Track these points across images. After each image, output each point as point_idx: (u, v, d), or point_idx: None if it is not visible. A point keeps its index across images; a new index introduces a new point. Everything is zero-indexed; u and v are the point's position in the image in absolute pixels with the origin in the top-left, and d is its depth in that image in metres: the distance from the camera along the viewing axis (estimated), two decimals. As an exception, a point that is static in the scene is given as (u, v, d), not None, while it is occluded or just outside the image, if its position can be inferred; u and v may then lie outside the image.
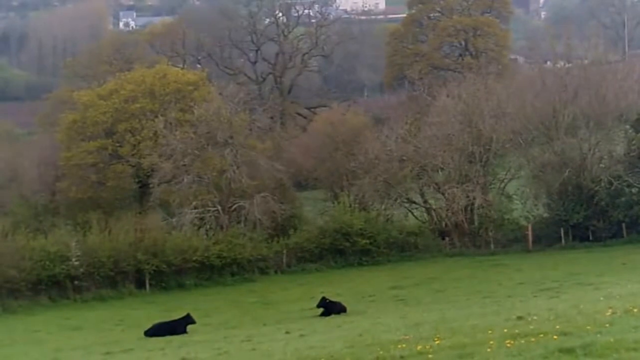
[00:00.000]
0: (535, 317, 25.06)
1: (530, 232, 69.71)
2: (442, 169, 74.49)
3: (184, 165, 69.33)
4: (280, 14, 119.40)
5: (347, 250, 68.00)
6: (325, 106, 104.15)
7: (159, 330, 41.62)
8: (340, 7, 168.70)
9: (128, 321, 50.24)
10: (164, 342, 38.00)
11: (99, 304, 58.91)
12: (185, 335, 40.93)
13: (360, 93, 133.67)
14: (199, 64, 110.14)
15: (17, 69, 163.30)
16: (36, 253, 60.12)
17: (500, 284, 51.67)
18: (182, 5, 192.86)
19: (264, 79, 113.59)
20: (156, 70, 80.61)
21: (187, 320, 42.41)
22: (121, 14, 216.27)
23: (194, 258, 63.58)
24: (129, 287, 61.74)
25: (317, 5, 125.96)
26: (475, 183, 71.52)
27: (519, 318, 25.75)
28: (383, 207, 73.80)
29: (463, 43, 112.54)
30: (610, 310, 23.40)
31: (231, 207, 69.08)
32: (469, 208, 71.01)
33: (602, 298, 30.57)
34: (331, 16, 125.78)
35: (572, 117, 72.50)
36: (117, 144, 75.48)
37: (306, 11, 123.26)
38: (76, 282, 60.32)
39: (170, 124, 71.52)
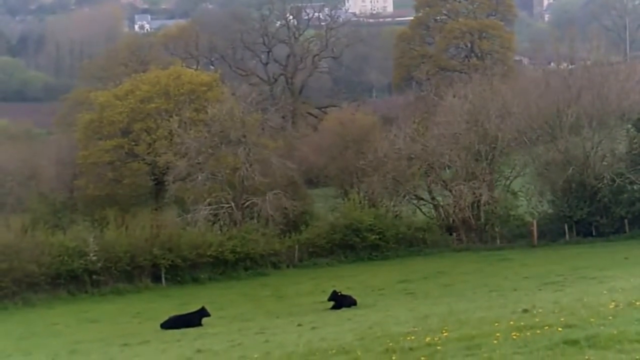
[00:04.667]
0: (540, 310, 25.31)
1: (535, 228, 69.77)
2: (449, 166, 74.94)
3: (198, 163, 69.84)
4: (291, 17, 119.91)
5: (357, 245, 68.22)
6: (335, 106, 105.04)
7: (174, 323, 41.93)
8: (350, 10, 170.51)
9: (145, 314, 50.75)
10: (179, 334, 38.36)
11: (116, 297, 59.41)
12: (200, 327, 41.12)
13: (369, 93, 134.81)
14: (212, 65, 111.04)
15: (35, 71, 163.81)
16: (55, 248, 60.71)
17: (506, 278, 51.64)
18: (196, 8, 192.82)
19: (276, 80, 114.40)
20: (171, 71, 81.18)
21: (202, 313, 42.66)
22: (136, 17, 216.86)
23: (209, 253, 63.87)
24: (145, 281, 62.22)
25: (327, 9, 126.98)
26: (481, 180, 71.74)
27: (525, 311, 25.94)
28: (392, 203, 73.87)
29: (469, 45, 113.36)
30: (613, 303, 23.52)
31: (244, 203, 69.37)
32: (475, 204, 71.12)
33: (605, 291, 30.43)
34: (340, 19, 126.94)
35: (576, 117, 72.47)
36: (133, 143, 76.19)
37: (316, 14, 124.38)
38: (94, 277, 60.81)
39: (185, 123, 72.12)
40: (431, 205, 75.70)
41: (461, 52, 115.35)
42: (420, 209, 75.52)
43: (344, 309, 43.46)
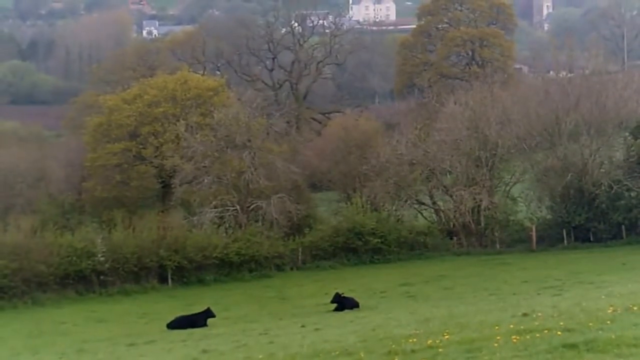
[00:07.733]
0: (539, 314, 25.31)
1: (534, 233, 70.30)
2: (450, 172, 75.34)
3: (205, 166, 70.35)
4: (296, 24, 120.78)
5: (359, 248, 68.66)
6: (338, 112, 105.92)
7: (180, 323, 42.05)
8: (353, 18, 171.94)
9: (151, 314, 51.13)
10: (185, 334, 38.49)
11: (124, 297, 59.91)
12: (205, 328, 41.20)
13: (371, 100, 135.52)
14: (219, 70, 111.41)
15: (44, 74, 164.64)
16: (63, 249, 61.12)
17: (505, 282, 51.84)
18: (203, 14, 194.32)
19: (281, 86, 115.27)
20: (178, 76, 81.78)
21: (208, 314, 42.77)
22: (144, 22, 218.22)
23: (214, 255, 64.47)
24: (152, 282, 62.75)
25: (331, 16, 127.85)
26: (481, 186, 72.23)
27: (524, 315, 26.06)
28: (394, 208, 74.31)
29: (470, 53, 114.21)
30: (611, 308, 23.62)
31: (249, 206, 69.79)
32: (475, 209, 71.61)
33: (603, 296, 30.60)
34: (344, 26, 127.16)
35: (574, 124, 72.97)
36: (141, 146, 76.86)
37: (321, 21, 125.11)
38: (102, 277, 61.31)
39: (191, 127, 72.66)
40: (432, 210, 76.15)
41: (462, 60, 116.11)
42: (422, 214, 75.99)
43: (346, 311, 43.70)
